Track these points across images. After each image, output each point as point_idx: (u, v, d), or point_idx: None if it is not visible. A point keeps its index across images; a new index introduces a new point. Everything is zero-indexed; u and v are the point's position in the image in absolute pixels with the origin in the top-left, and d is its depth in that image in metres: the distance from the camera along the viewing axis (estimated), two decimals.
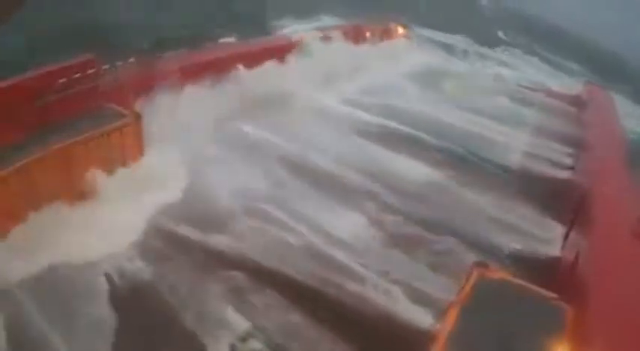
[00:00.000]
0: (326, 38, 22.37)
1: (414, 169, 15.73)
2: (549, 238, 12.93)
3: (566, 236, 12.34)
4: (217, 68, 17.13)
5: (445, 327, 7.89)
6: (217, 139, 15.20)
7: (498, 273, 9.06)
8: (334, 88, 20.94)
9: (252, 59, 18.01)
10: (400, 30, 28.69)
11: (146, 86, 14.66)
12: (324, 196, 13.64)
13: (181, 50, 17.22)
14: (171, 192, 12.66)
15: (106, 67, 13.76)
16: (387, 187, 14.37)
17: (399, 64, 25.89)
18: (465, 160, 17.12)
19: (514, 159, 17.75)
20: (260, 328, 9.45)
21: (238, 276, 10.53)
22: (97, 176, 12.02)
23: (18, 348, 8.50)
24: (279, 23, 29.83)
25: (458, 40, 35.86)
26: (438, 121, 19.50)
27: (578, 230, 11.36)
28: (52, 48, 15.79)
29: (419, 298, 10.28)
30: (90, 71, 13.07)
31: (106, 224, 11.21)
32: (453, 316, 8.09)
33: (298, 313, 9.81)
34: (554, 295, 8.53)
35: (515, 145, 18.90)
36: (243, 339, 9.30)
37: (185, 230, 11.62)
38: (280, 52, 19.60)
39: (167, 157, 13.30)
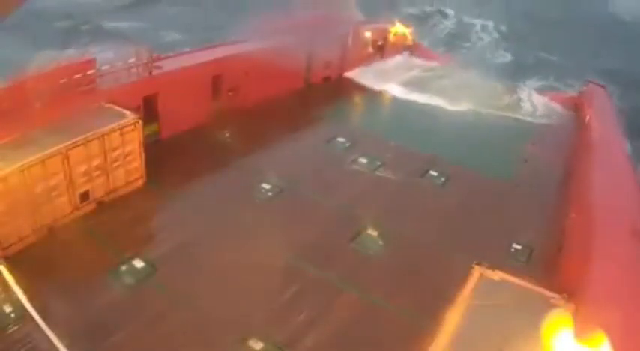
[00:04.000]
0: None
1: None
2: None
3: (565, 237, 12.30)
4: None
5: (445, 327, 7.87)
6: None
7: (498, 273, 9.05)
8: None
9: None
10: (404, 30, 28.38)
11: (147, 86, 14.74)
12: None
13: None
14: None
15: (106, 67, 13.82)
16: None
17: None
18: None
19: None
20: None
21: None
22: None
23: None
24: None
25: None
26: None
27: (579, 230, 11.33)
28: None
29: None
30: (90, 71, 13.13)
31: None
32: (453, 316, 8.07)
33: None
34: (555, 295, 8.53)
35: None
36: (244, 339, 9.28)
37: None
38: None
39: None
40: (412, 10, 40.92)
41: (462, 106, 21.74)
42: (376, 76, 24.77)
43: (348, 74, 24.76)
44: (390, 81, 24.37)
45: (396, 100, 23.02)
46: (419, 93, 23.10)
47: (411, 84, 24.27)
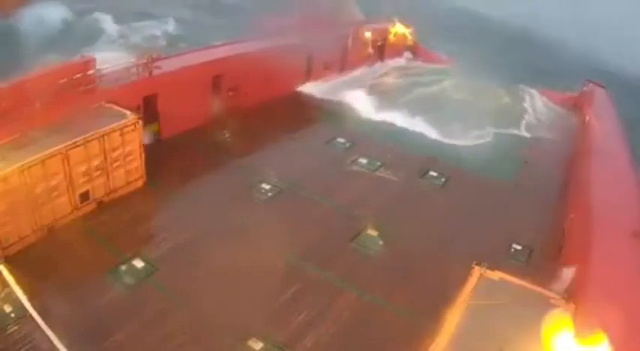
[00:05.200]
0: None
1: None
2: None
3: (565, 237, 12.31)
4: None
5: (445, 327, 7.87)
6: None
7: (498, 273, 9.05)
8: None
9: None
10: (404, 29, 28.30)
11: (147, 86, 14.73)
12: None
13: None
14: None
15: (106, 67, 13.82)
16: None
17: None
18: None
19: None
20: None
21: None
22: None
23: None
24: None
25: None
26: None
27: (579, 229, 11.33)
28: None
29: None
30: (90, 71, 13.13)
31: None
32: (453, 316, 8.07)
33: None
34: (555, 295, 8.53)
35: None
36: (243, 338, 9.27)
37: None
38: None
39: None
40: None
41: (458, 138, 18.73)
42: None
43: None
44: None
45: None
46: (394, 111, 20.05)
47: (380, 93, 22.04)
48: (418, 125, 19.17)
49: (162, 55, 16.26)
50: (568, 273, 9.11)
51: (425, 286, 11.00)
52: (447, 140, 18.52)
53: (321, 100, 20.96)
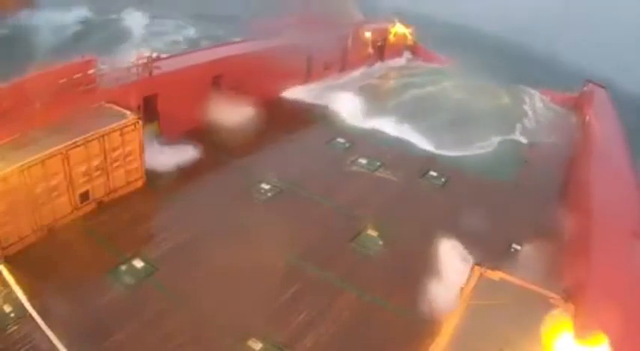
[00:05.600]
0: None
1: None
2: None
3: (565, 237, 12.29)
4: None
5: (446, 328, 7.88)
6: None
7: (498, 273, 9.06)
8: None
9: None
10: (404, 29, 28.30)
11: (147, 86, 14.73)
12: None
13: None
14: None
15: (106, 66, 13.82)
16: None
17: None
18: None
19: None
20: None
21: None
22: None
23: None
24: None
25: None
26: None
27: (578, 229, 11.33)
28: None
29: None
30: (90, 71, 13.14)
31: None
32: (453, 316, 8.08)
33: None
34: (554, 295, 8.53)
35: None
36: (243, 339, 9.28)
37: None
38: None
39: None
40: None
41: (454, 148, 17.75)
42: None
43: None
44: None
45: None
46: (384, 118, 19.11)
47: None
48: (410, 134, 18.23)
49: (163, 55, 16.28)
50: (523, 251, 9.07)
51: (424, 286, 10.99)
52: (445, 152, 17.53)
53: (315, 104, 20.53)
